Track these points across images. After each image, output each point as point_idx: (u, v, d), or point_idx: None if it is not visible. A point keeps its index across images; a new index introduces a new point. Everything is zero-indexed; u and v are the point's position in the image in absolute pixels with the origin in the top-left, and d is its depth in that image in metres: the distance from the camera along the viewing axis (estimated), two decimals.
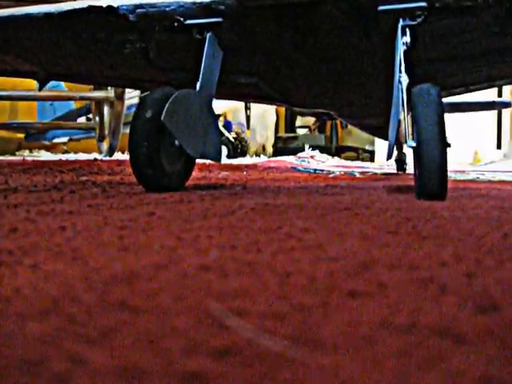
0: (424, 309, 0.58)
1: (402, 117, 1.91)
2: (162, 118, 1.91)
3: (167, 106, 1.93)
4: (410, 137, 1.88)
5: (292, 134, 11.93)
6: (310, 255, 0.83)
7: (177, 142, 2.04)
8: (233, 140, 9.59)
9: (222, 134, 8.80)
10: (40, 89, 2.99)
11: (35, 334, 0.50)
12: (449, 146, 1.83)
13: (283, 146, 11.09)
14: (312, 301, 0.60)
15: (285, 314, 0.56)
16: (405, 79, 1.94)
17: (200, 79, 2.13)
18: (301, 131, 12.11)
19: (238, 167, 3.90)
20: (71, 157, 6.95)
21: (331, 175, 3.48)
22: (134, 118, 2.05)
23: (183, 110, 2.01)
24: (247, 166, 4.22)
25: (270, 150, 11.27)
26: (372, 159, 9.82)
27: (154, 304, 0.59)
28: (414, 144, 1.84)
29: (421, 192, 1.82)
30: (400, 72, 1.96)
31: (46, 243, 0.91)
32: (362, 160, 9.33)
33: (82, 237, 0.98)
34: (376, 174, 3.79)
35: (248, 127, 10.50)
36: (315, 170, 3.93)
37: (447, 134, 1.82)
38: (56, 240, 0.94)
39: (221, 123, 9.05)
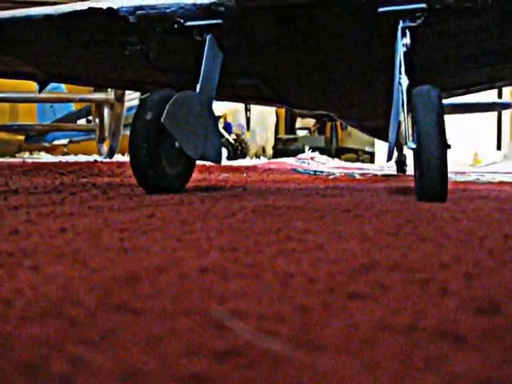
0: (424, 311, 0.58)
1: (402, 118, 1.91)
2: (162, 119, 1.92)
3: (167, 107, 1.93)
4: (410, 138, 1.88)
5: (292, 136, 11.93)
6: (310, 257, 0.84)
7: (177, 144, 2.04)
8: (233, 142, 9.59)
9: (222, 136, 8.80)
10: (40, 91, 2.99)
11: (36, 336, 0.50)
12: (449, 147, 1.83)
13: (283, 148, 11.10)
14: (312, 302, 0.60)
15: (285, 315, 0.56)
16: (405, 81, 1.94)
17: (200, 81, 2.13)
18: (301, 133, 12.12)
19: (238, 169, 3.91)
20: (71, 159, 6.95)
21: (331, 177, 3.48)
22: (135, 120, 2.05)
23: (183, 111, 2.01)
24: (247, 168, 4.22)
25: (269, 151, 11.27)
26: (372, 161, 9.83)
27: (154, 306, 0.59)
28: (414, 145, 1.84)
29: (421, 193, 1.82)
30: (400, 73, 1.97)
31: (46, 245, 0.91)
32: (362, 161, 9.33)
33: (82, 239, 0.98)
34: (376, 175, 3.79)
35: (248, 129, 10.50)
36: (315, 171, 3.93)
37: (447, 136, 1.82)
38: (56, 242, 0.94)
39: (221, 125, 9.05)
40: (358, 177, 3.57)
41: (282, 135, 12.09)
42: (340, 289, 0.65)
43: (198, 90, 2.12)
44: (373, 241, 0.99)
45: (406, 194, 2.04)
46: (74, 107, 8.19)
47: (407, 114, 1.90)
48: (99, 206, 1.54)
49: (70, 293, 0.63)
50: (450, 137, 1.91)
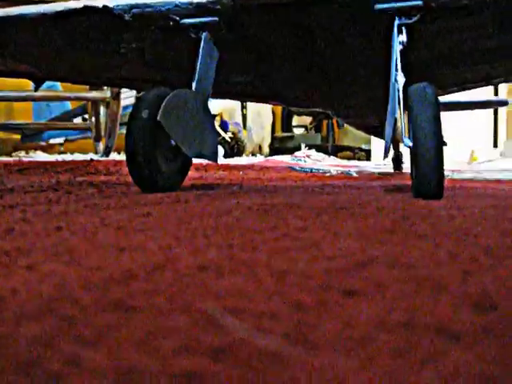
0: (420, 307, 0.58)
1: (397, 115, 1.91)
2: (158, 117, 1.91)
3: (163, 106, 1.93)
4: (406, 135, 1.88)
5: (289, 134, 11.93)
6: (306, 254, 0.83)
7: (173, 142, 2.03)
8: (229, 140, 9.59)
9: (219, 134, 8.79)
10: (36, 89, 2.98)
11: (31, 334, 0.50)
12: (445, 144, 1.83)
13: (280, 146, 11.09)
14: (308, 300, 0.60)
15: (280, 312, 0.56)
16: (401, 78, 1.94)
17: (196, 79, 2.13)
18: (297, 131, 12.11)
19: (235, 167, 3.90)
20: (68, 157, 6.94)
21: (327, 174, 3.48)
22: (130, 118, 2.04)
23: (179, 109, 2.00)
24: (244, 166, 4.22)
25: (266, 149, 11.27)
26: (368, 158, 9.83)
27: (150, 304, 0.59)
28: (410, 143, 1.84)
29: (417, 191, 1.82)
30: (396, 71, 1.96)
31: (42, 244, 0.91)
32: (359, 159, 9.34)
33: (78, 237, 0.98)
34: (373, 173, 3.80)
35: (244, 127, 10.50)
36: (312, 169, 3.94)
37: (443, 133, 1.82)
38: (52, 241, 0.94)
39: (217, 123, 9.04)
40: (354, 174, 3.57)
41: (279, 133, 12.08)
42: (336, 286, 0.65)
43: (193, 87, 2.12)
44: (369, 238, 0.99)
45: (403, 191, 2.04)
46: (69, 106, 8.18)
47: (403, 112, 1.90)
48: (95, 204, 1.54)
49: (66, 291, 0.63)
50: (447, 135, 1.91)
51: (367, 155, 10.34)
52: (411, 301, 0.60)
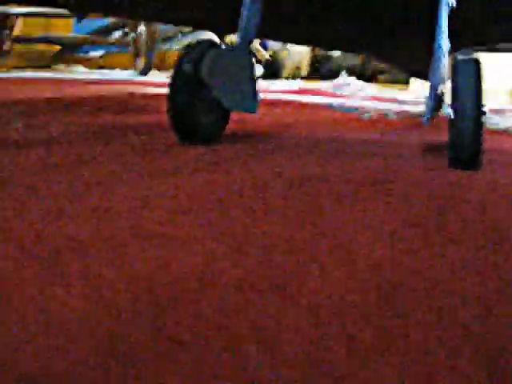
0: (442, 364, 0.62)
1: (443, 85, 1.90)
2: (202, 72, 1.96)
3: (206, 61, 1.97)
4: (448, 103, 1.88)
5: (327, 54, 11.72)
6: (340, 271, 0.88)
7: (214, 95, 2.06)
8: (269, 59, 9.48)
9: (259, 52, 8.70)
10: (79, 21, 3.00)
11: (82, 371, 0.56)
12: (484, 114, 1.82)
13: (318, 67, 10.94)
14: (340, 352, 0.65)
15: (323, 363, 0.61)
16: (447, 43, 1.93)
17: (240, 30, 2.12)
18: (336, 51, 11.88)
19: (273, 103, 3.90)
20: (106, 73, 6.98)
21: (365, 116, 3.46)
22: (175, 68, 2.08)
23: (221, 64, 2.03)
24: (280, 101, 4.22)
25: (304, 70, 11.13)
26: (407, 82, 9.63)
27: (196, 337, 0.64)
28: (449, 110, 1.84)
29: (453, 159, 1.83)
30: (442, 34, 1.94)
31: (88, 240, 0.96)
32: (396, 83, 9.16)
33: (118, 223, 1.02)
34: (411, 115, 3.75)
35: (284, 47, 10.34)
36: (350, 109, 3.93)
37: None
38: (90, 231, 0.97)
39: (258, 42, 8.93)
40: (392, 117, 3.54)
41: (318, 53, 11.88)
42: (366, 326, 0.70)
43: (237, 39, 2.12)
44: (399, 242, 1.03)
45: (439, 155, 2.02)
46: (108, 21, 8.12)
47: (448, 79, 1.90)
48: (131, 170, 1.55)
49: (117, 318, 0.68)
50: (486, 72, 1.87)
51: (406, 81, 10.13)
52: (428, 362, 0.63)
